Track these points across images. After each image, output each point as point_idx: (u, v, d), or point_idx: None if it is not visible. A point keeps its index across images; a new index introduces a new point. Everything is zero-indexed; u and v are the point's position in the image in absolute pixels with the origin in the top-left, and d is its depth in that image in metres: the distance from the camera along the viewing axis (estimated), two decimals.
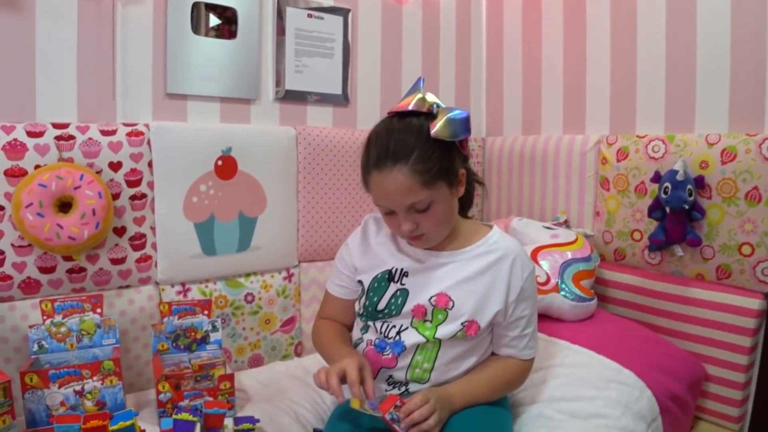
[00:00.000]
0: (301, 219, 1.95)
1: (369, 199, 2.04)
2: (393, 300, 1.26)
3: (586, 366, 1.48)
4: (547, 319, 1.78)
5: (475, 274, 1.23)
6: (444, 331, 1.22)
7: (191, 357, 1.58)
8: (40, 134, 1.50)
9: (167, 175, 1.68)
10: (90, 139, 1.56)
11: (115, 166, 1.60)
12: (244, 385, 1.64)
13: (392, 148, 1.11)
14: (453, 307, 1.22)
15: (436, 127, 1.12)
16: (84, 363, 1.39)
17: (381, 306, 1.27)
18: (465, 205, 1.33)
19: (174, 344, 1.58)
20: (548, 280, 1.78)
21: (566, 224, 2.10)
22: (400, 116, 1.16)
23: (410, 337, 1.24)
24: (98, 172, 1.58)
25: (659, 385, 1.46)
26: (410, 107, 1.15)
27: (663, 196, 1.70)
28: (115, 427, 1.20)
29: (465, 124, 1.14)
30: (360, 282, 1.32)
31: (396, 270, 1.27)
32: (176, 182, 1.69)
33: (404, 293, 1.25)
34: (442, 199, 1.15)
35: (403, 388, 1.27)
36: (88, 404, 1.38)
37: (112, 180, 1.60)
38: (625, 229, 1.92)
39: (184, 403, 1.40)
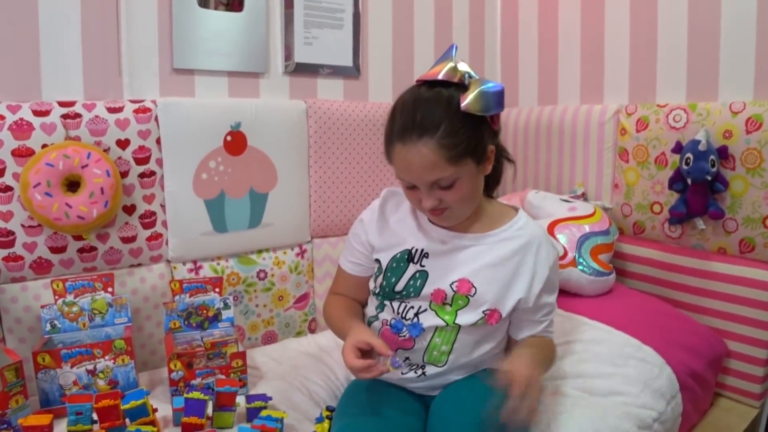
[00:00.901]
0: (313, 194, 1.93)
1: (383, 173, 2.03)
2: (412, 282, 1.22)
3: (604, 342, 1.45)
4: (564, 294, 1.74)
5: (500, 261, 1.18)
6: (465, 318, 1.19)
7: (203, 335, 1.57)
8: (46, 113, 1.47)
9: (176, 152, 1.65)
10: (96, 116, 1.53)
11: (123, 144, 1.58)
12: (257, 362, 1.63)
13: (419, 120, 1.05)
14: (475, 294, 1.18)
15: (467, 100, 1.05)
16: (96, 342, 1.39)
17: (399, 287, 1.23)
18: (492, 183, 1.26)
19: (186, 322, 1.57)
20: (566, 254, 1.74)
21: (584, 197, 2.05)
22: (429, 85, 1.10)
23: (429, 320, 1.20)
24: (106, 150, 1.55)
25: (679, 362, 1.42)
26: (440, 76, 1.08)
27: (684, 167, 1.64)
28: (126, 406, 1.21)
29: (499, 97, 1.07)
30: (377, 261, 1.27)
31: (416, 250, 1.22)
32: (185, 159, 1.67)
33: (424, 275, 1.21)
34: (468, 177, 1.09)
35: (419, 371, 1.24)
36: (101, 383, 1.38)
37: (120, 158, 1.58)
38: (644, 201, 1.87)
39: (197, 381, 1.39)
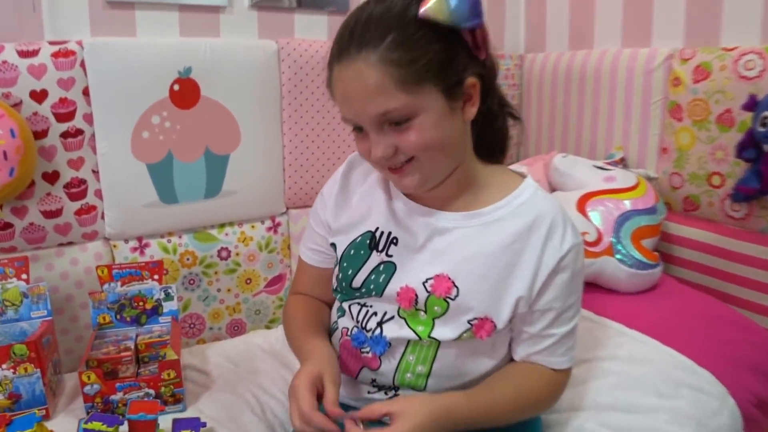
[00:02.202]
0: (288, 156, 1.60)
1: None
2: (373, 276, 0.92)
3: (647, 362, 1.13)
4: (595, 290, 1.41)
5: (493, 249, 0.87)
6: (444, 330, 0.88)
7: (140, 332, 1.28)
8: None
9: (109, 106, 1.34)
10: (4, 62, 1.24)
11: (39, 96, 1.28)
12: (210, 364, 1.34)
13: (359, 30, 0.78)
14: (457, 296, 0.87)
15: (428, 4, 0.76)
16: None
17: (357, 282, 0.93)
18: (493, 146, 0.94)
19: (118, 316, 1.28)
20: (599, 239, 1.40)
21: (623, 163, 1.69)
22: None
23: (395, 331, 0.91)
24: (16, 105, 1.26)
25: (744, 390, 1.10)
26: None
27: (760, 129, 1.29)
28: None
29: (474, 4, 0.78)
30: (333, 246, 0.98)
31: (381, 233, 0.92)
32: (121, 114, 1.36)
33: (389, 268, 0.91)
34: (432, 113, 0.79)
35: (391, 393, 0.94)
36: None
37: (35, 114, 1.28)
38: (700, 171, 1.51)
39: (117, 396, 1.10)
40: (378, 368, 0.93)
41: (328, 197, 1.01)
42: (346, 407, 1.01)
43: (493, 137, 0.93)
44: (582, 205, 1.46)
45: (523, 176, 0.93)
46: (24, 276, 1.24)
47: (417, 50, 0.76)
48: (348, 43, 0.78)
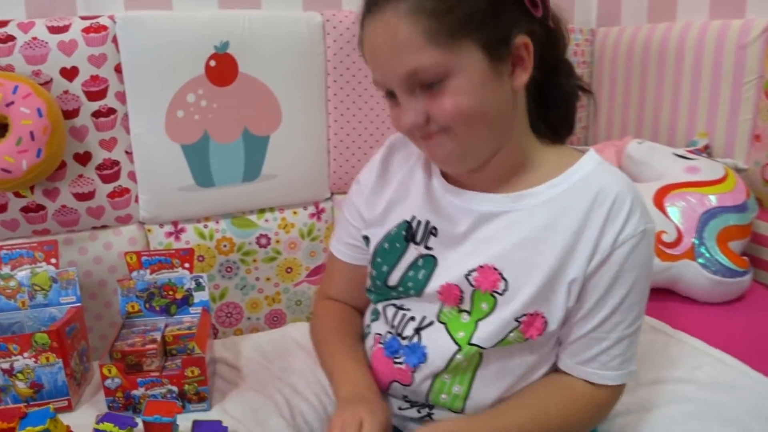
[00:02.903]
0: (333, 137, 1.49)
1: None
2: (411, 272, 0.81)
3: (732, 388, 0.96)
4: (671, 298, 1.25)
5: (547, 233, 0.74)
6: (486, 332, 0.75)
7: (169, 322, 1.22)
8: None
9: (142, 83, 1.27)
10: (34, 39, 1.18)
11: (70, 74, 1.22)
12: (242, 359, 1.27)
13: None
14: (506, 290, 0.74)
15: None
16: (9, 336, 1.06)
17: (393, 280, 0.82)
18: (557, 124, 0.81)
19: (147, 305, 1.22)
20: (679, 239, 1.23)
21: (707, 152, 1.49)
22: None
23: (436, 342, 0.79)
24: (46, 83, 1.20)
25: None
26: None
27: None
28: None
29: None
30: (366, 239, 0.88)
31: (418, 223, 0.81)
32: (154, 92, 1.28)
33: (429, 262, 0.80)
34: (471, 73, 0.67)
35: (424, 411, 0.84)
36: (21, 386, 1.06)
37: (66, 92, 1.22)
38: None
39: (139, 392, 1.04)
40: (410, 384, 0.81)
41: (364, 184, 0.90)
42: None
43: (557, 114, 0.80)
44: (660, 198, 1.28)
45: (581, 152, 0.79)
46: (53, 260, 1.20)
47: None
48: None
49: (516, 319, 0.74)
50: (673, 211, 1.27)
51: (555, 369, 0.82)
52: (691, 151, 1.45)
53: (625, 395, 0.90)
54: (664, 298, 1.23)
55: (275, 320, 1.53)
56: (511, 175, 0.77)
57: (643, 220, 0.73)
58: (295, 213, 1.49)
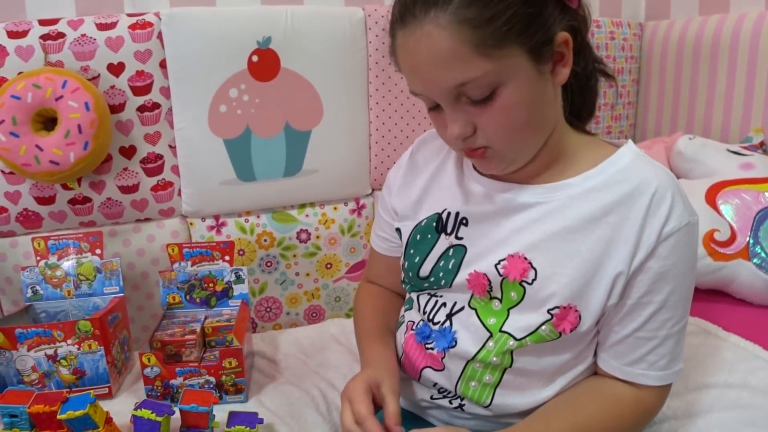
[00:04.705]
0: (375, 133, 1.48)
1: None
2: (442, 262, 0.79)
3: None
4: (723, 299, 1.20)
5: (581, 224, 0.71)
6: (518, 322, 0.74)
7: (209, 314, 1.23)
8: (23, 34, 1.19)
9: (186, 78, 1.28)
10: (83, 36, 1.21)
11: (116, 69, 1.24)
12: (280, 352, 1.27)
13: None
14: (535, 280, 0.72)
15: None
16: (54, 323, 1.08)
17: (425, 271, 0.81)
18: (581, 108, 0.79)
19: (188, 297, 1.24)
20: (733, 238, 1.17)
21: (762, 148, 1.42)
22: None
23: (467, 328, 0.78)
24: (94, 79, 1.23)
25: None
26: None
27: None
28: (63, 416, 0.89)
29: None
30: (398, 232, 0.88)
31: (449, 214, 0.80)
32: (198, 87, 1.30)
33: (459, 252, 0.78)
34: (519, 81, 0.65)
35: (456, 402, 0.82)
36: (64, 372, 1.09)
37: (113, 87, 1.24)
38: None
39: (177, 381, 1.05)
40: (442, 369, 0.80)
41: (392, 180, 0.90)
42: (405, 414, 0.90)
43: (582, 99, 0.78)
44: (712, 196, 1.22)
45: (617, 146, 0.75)
46: (98, 251, 1.22)
47: (496, 4, 0.62)
48: (413, 1, 0.64)
49: (549, 311, 0.71)
50: (727, 208, 1.21)
51: (593, 371, 0.79)
52: (745, 148, 1.38)
53: (673, 399, 0.87)
54: (715, 299, 1.17)
55: (314, 316, 1.53)
56: (547, 165, 0.75)
57: (686, 213, 0.69)
58: (335, 208, 1.48)
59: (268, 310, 1.48)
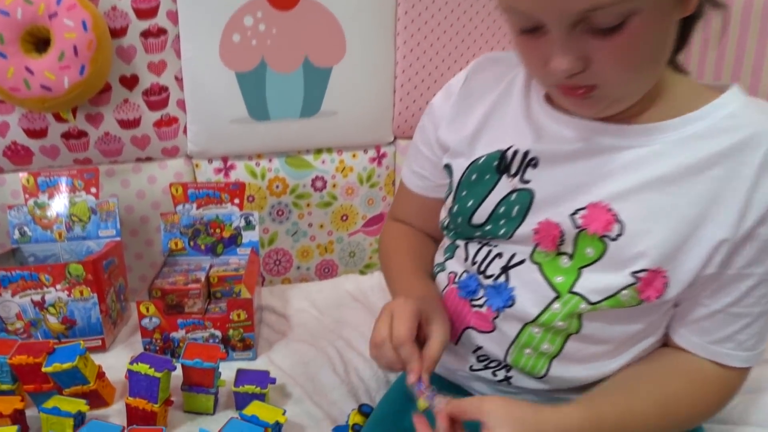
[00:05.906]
0: (401, 75, 1.34)
1: (510, 44, 1.39)
2: (503, 207, 0.67)
3: None
4: None
5: (682, 174, 0.58)
6: (593, 282, 0.62)
7: (215, 263, 1.12)
8: None
9: (196, 2, 1.15)
10: None
11: None
12: (291, 307, 1.17)
13: None
14: (620, 235, 0.60)
15: None
16: (42, 266, 0.97)
17: (480, 218, 0.69)
18: (679, 42, 0.65)
19: (191, 243, 1.13)
20: None
21: None
22: None
23: (528, 285, 0.66)
24: None
25: None
26: None
27: None
28: (49, 368, 0.80)
29: None
30: (448, 168, 0.74)
31: (515, 152, 0.66)
32: (210, 12, 1.16)
33: (524, 197, 0.65)
34: (653, 10, 0.51)
35: (501, 374, 0.71)
36: (52, 321, 0.99)
37: (114, 8, 1.11)
38: None
39: (179, 334, 0.95)
40: (490, 330, 0.69)
41: (439, 110, 0.76)
42: (442, 383, 0.79)
43: (683, 32, 0.64)
44: None
45: (720, 89, 0.62)
46: (93, 190, 1.11)
47: None
48: None
49: (633, 274, 0.59)
50: None
51: (661, 345, 0.68)
52: None
53: None
54: None
55: (326, 272, 1.42)
56: (644, 105, 0.61)
57: None
58: (354, 156, 1.36)
59: (278, 263, 1.37)
